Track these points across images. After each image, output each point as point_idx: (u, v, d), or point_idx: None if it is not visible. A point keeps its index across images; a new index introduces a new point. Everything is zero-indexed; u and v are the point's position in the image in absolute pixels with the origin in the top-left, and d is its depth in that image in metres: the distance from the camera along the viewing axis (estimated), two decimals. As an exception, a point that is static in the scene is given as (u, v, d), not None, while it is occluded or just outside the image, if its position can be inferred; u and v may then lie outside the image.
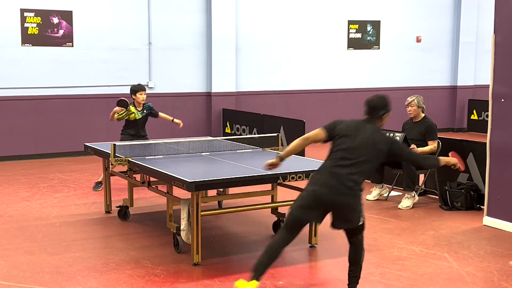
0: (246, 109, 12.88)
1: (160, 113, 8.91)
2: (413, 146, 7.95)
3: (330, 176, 4.71)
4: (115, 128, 11.93)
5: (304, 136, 5.05)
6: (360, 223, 4.82)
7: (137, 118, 8.63)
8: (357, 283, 4.98)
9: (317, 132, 4.97)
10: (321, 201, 4.71)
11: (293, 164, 6.43)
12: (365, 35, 14.41)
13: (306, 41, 13.75)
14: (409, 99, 8.24)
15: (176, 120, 8.90)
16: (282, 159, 5.18)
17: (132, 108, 8.62)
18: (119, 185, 8.70)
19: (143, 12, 12.11)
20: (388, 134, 5.30)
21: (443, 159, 5.18)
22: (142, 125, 8.80)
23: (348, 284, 4.99)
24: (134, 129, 8.74)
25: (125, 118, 8.62)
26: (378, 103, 4.90)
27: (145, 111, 8.73)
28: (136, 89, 8.67)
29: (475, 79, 15.64)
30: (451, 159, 5.30)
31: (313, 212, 4.74)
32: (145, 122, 8.85)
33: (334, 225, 4.84)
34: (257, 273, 4.68)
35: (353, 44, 14.29)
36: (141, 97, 8.62)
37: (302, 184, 6.23)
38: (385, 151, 4.78)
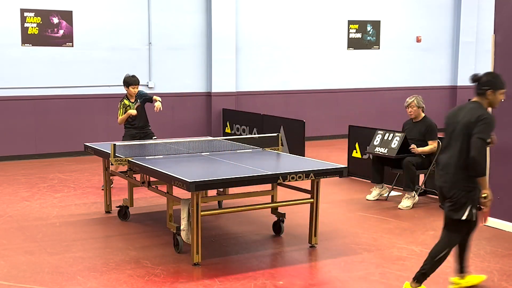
0: (246, 109, 12.89)
1: (153, 97, 8.72)
2: (413, 146, 7.95)
3: None
4: (115, 128, 11.95)
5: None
6: (455, 217, 4.80)
7: (132, 109, 8.56)
8: (421, 277, 4.86)
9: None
10: None
11: (293, 164, 6.44)
12: (365, 35, 14.41)
13: (306, 41, 13.75)
14: (409, 100, 8.22)
15: (156, 97, 8.61)
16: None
17: (126, 102, 8.61)
18: (119, 185, 8.70)
19: (143, 12, 12.11)
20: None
21: (485, 188, 4.82)
22: (140, 115, 8.63)
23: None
24: (133, 120, 8.64)
25: (125, 113, 8.57)
26: (482, 78, 4.89)
27: (138, 100, 8.67)
28: (130, 82, 8.58)
29: (475, 79, 15.63)
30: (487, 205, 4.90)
31: None
32: (143, 110, 8.70)
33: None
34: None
35: (353, 44, 14.30)
36: (133, 90, 8.58)
37: (302, 184, 6.26)
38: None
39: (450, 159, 4.82)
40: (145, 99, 8.75)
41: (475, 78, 4.96)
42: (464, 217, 4.79)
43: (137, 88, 8.65)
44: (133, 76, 8.72)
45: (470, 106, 4.91)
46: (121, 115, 8.61)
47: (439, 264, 4.86)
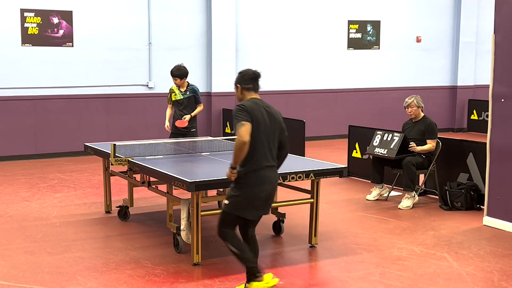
0: (246, 109, 12.86)
1: (198, 105, 8.81)
2: (412, 144, 7.95)
3: None
4: (115, 128, 11.96)
5: (242, 140, 4.62)
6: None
7: (178, 98, 8.72)
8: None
9: (247, 127, 4.68)
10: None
11: (293, 164, 6.43)
12: (365, 35, 14.41)
13: (306, 41, 13.75)
14: (408, 100, 8.22)
15: (186, 117, 8.72)
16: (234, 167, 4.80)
17: (173, 87, 8.79)
18: (119, 185, 8.70)
19: (143, 12, 12.11)
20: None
21: None
22: (185, 106, 8.71)
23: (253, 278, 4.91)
24: (176, 109, 8.78)
25: (170, 98, 8.81)
26: (258, 74, 4.95)
27: (188, 93, 8.75)
28: (172, 73, 8.69)
29: (475, 79, 15.65)
30: None
31: None
32: (189, 103, 8.75)
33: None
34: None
35: (353, 44, 14.29)
36: (175, 82, 8.70)
37: (302, 184, 6.26)
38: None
39: (273, 157, 4.90)
40: (196, 96, 8.82)
41: (258, 74, 4.97)
42: None
43: (179, 81, 8.66)
44: (178, 69, 8.68)
45: (267, 103, 4.98)
46: (168, 100, 8.88)
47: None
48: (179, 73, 8.66)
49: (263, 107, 4.86)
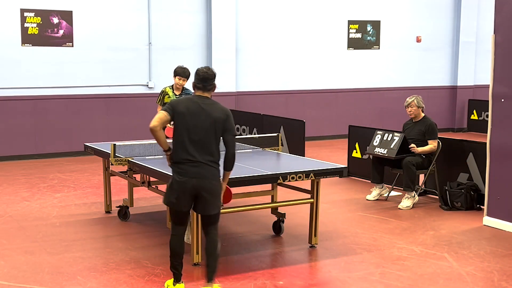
0: (246, 109, 12.88)
1: None
2: (412, 145, 7.95)
3: None
4: (115, 128, 11.96)
5: (150, 125, 4.87)
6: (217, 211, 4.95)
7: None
8: (213, 276, 4.97)
9: (159, 115, 4.88)
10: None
11: (293, 164, 6.44)
12: (365, 35, 14.41)
13: (306, 41, 13.75)
14: (409, 99, 8.23)
15: None
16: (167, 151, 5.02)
17: (167, 89, 8.38)
18: (119, 185, 8.70)
19: (143, 12, 12.11)
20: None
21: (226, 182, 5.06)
22: None
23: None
24: None
25: (163, 100, 8.34)
26: (210, 74, 5.07)
27: (182, 96, 8.30)
28: (177, 72, 8.24)
29: (475, 79, 15.65)
30: None
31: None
32: None
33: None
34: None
35: (353, 44, 14.29)
36: (179, 82, 8.24)
37: (302, 184, 6.26)
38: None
39: (209, 153, 4.85)
40: None
41: (207, 75, 5.09)
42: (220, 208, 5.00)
43: (183, 81, 8.27)
44: (184, 68, 8.34)
45: (210, 101, 5.01)
46: (158, 101, 8.39)
47: (218, 257, 5.01)
48: (185, 74, 8.30)
49: (199, 103, 4.92)
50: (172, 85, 8.43)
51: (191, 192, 4.83)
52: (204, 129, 4.83)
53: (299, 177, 5.79)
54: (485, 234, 6.77)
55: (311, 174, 5.86)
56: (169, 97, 8.46)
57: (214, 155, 4.86)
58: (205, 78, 5.04)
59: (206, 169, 4.84)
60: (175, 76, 8.28)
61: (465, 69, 15.43)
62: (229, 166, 4.91)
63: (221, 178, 4.95)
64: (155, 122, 4.84)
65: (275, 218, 6.68)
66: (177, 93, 8.42)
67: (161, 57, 12.32)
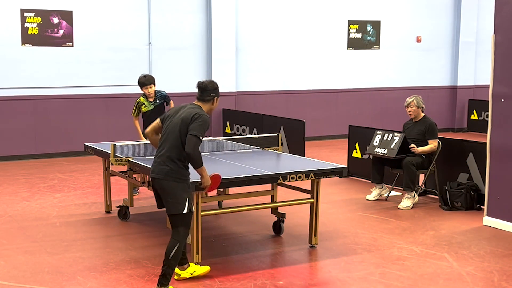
0: (246, 109, 12.89)
1: (171, 102, 8.53)
2: (412, 145, 7.95)
3: None
4: (115, 128, 11.96)
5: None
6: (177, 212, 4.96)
7: (150, 109, 8.29)
8: (164, 279, 4.92)
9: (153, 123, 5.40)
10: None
11: (293, 164, 6.44)
12: (365, 35, 14.41)
13: (306, 41, 13.75)
14: (408, 99, 8.23)
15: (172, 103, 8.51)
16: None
17: (141, 99, 8.33)
18: (119, 185, 8.70)
19: (143, 12, 12.11)
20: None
21: (204, 177, 5.17)
22: (156, 113, 7.76)
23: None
24: (147, 120, 7.98)
25: (138, 111, 8.33)
26: (209, 86, 5.23)
27: (157, 100, 8.36)
28: (141, 83, 8.23)
29: (475, 79, 15.65)
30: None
31: None
32: (160, 110, 8.16)
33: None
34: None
35: (353, 44, 14.30)
36: (147, 91, 8.23)
37: (302, 184, 6.26)
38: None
39: (168, 152, 4.97)
40: (166, 100, 8.47)
41: (203, 85, 5.26)
42: (185, 211, 4.95)
43: (150, 88, 8.24)
44: (145, 76, 8.31)
45: (190, 106, 5.16)
46: (134, 113, 8.39)
47: (176, 261, 4.96)
48: (150, 81, 8.23)
49: (181, 107, 5.16)
50: (144, 94, 8.39)
51: (154, 189, 5.12)
52: (169, 129, 5.06)
53: (299, 177, 5.79)
54: (485, 234, 6.77)
55: (311, 174, 5.86)
56: (145, 106, 8.38)
57: (171, 154, 4.96)
58: (201, 88, 5.26)
59: (159, 167, 5.01)
60: (141, 88, 8.31)
61: (465, 69, 15.43)
62: (192, 164, 5.04)
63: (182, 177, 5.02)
64: (147, 129, 5.37)
65: (275, 218, 6.68)
66: (151, 99, 8.39)
67: (161, 57, 12.32)
